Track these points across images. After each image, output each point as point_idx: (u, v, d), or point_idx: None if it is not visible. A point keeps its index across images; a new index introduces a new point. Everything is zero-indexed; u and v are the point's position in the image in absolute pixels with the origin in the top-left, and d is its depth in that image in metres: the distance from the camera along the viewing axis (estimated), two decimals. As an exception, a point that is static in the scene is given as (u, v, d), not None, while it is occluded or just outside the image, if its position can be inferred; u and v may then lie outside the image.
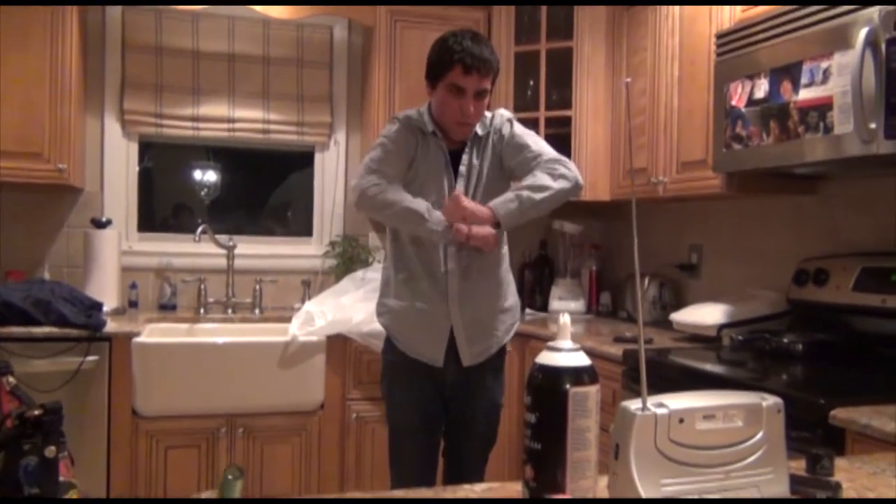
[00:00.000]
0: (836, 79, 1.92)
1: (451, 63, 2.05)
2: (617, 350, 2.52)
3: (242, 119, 3.59)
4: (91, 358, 2.75)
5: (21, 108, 2.97)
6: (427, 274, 2.17)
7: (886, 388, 1.79)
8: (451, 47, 2.06)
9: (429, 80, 2.15)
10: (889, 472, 1.19)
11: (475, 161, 2.20)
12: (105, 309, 3.02)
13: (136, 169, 3.55)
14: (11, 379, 0.81)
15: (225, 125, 3.58)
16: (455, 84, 2.07)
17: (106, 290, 3.16)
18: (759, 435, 1.00)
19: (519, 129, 2.25)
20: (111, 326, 2.84)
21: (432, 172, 2.18)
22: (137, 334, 2.83)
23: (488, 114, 2.24)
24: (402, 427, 2.24)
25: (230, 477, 0.74)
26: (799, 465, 1.18)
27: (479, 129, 2.20)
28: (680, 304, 3.19)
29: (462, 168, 2.19)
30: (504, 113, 2.28)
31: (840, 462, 1.22)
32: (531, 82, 3.54)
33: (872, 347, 2.22)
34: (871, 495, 1.09)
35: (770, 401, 1.02)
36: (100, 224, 3.24)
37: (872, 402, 1.65)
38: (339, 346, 3.03)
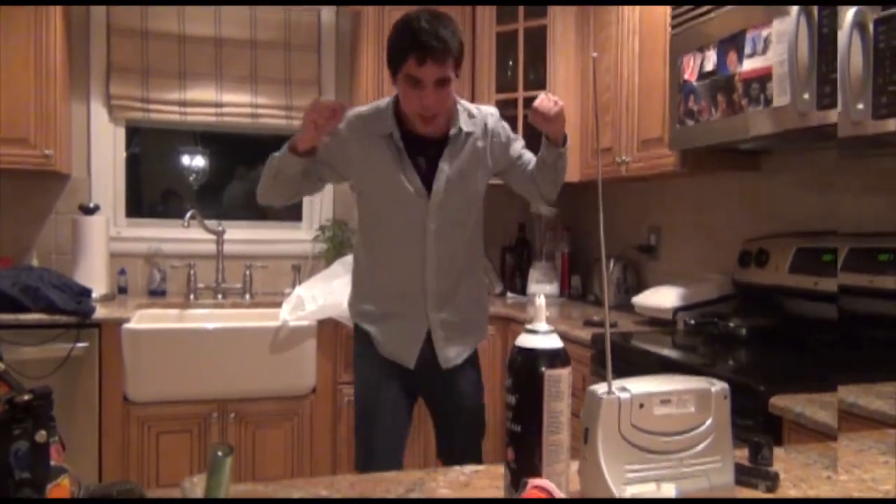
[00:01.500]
0: (775, 47, 1.86)
1: (404, 53, 1.87)
2: (587, 334, 2.52)
3: (230, 103, 3.58)
4: (81, 344, 2.75)
5: (6, 93, 2.95)
6: (403, 273, 2.07)
7: (820, 375, 1.75)
8: (403, 34, 1.88)
9: (390, 69, 1.96)
10: (819, 464, 1.19)
11: (456, 161, 2.04)
12: (94, 295, 3.02)
13: (124, 154, 3.53)
14: (0, 364, 0.82)
15: (212, 110, 3.56)
16: (411, 75, 1.88)
17: (95, 276, 3.15)
18: (709, 421, 1.01)
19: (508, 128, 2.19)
20: (101, 313, 2.85)
21: (387, 172, 2.01)
22: (127, 320, 2.84)
23: (474, 109, 2.10)
24: (370, 404, 2.09)
25: (220, 454, 0.75)
26: (743, 454, 1.18)
27: (465, 126, 2.04)
28: (641, 285, 3.17)
29: (444, 165, 2.02)
30: (493, 111, 2.15)
31: (778, 452, 1.22)
32: (511, 63, 3.52)
33: (808, 332, 2.18)
34: (804, 486, 1.10)
35: (718, 386, 1.03)
36: (88, 210, 3.23)
37: (807, 389, 1.63)
38: (329, 330, 3.04)
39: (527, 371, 0.95)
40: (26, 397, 0.71)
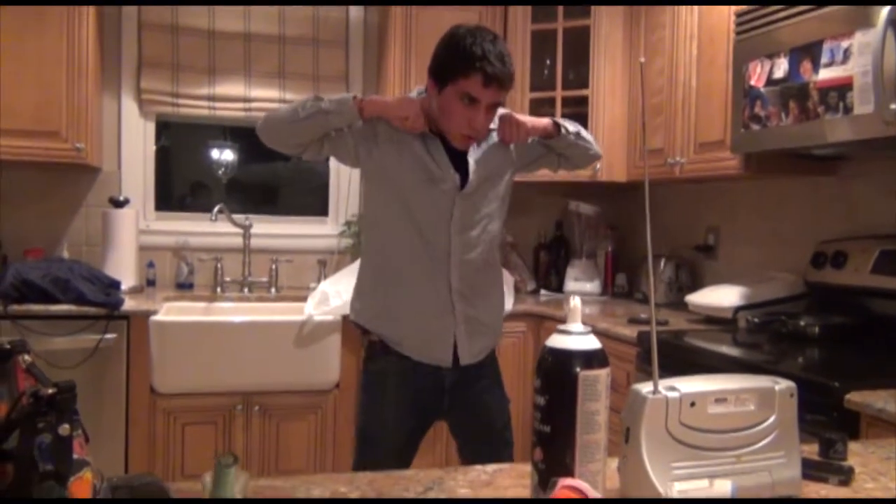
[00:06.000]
0: (857, 58, 1.89)
1: (469, 69, 1.79)
2: (631, 332, 2.52)
3: (258, 98, 3.59)
4: (109, 336, 2.78)
5: (39, 87, 2.98)
6: (428, 268, 1.96)
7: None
8: (470, 50, 1.79)
9: (435, 78, 1.87)
10: (903, 457, 1.18)
11: (483, 155, 1.99)
12: (123, 287, 3.05)
13: (154, 148, 3.57)
14: (27, 357, 0.82)
15: (241, 104, 3.58)
16: (469, 94, 1.82)
17: (124, 268, 3.19)
18: (772, 419, 1.00)
19: None
20: (129, 305, 2.87)
21: (416, 159, 1.94)
22: (155, 312, 2.86)
23: None
24: (381, 444, 1.99)
25: (223, 464, 0.75)
26: (812, 450, 1.17)
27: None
28: (696, 285, 3.17)
29: (471, 159, 1.96)
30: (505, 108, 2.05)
31: (853, 446, 1.22)
32: (548, 61, 3.51)
33: (890, 331, 2.20)
34: (883, 479, 1.09)
35: (783, 385, 1.02)
36: (118, 203, 3.27)
37: (888, 386, 1.65)
38: (354, 325, 3.03)
39: (558, 372, 0.94)
40: (50, 391, 0.71)
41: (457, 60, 1.82)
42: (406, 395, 1.99)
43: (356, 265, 3.23)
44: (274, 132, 1.97)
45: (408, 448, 2.03)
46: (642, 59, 3.20)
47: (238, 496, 0.78)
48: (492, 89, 1.81)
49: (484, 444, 2.06)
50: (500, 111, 1.96)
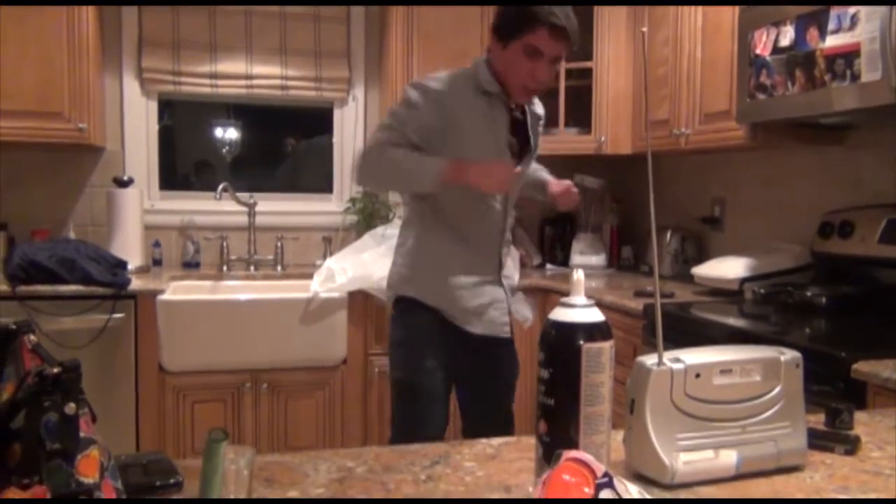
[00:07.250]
0: (865, 24, 1.86)
1: (535, 23, 1.89)
2: (637, 304, 2.52)
3: (260, 76, 3.57)
4: (117, 315, 2.79)
5: (40, 67, 2.97)
6: (484, 238, 2.06)
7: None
8: (535, 6, 1.90)
9: (499, 35, 1.96)
10: (909, 426, 1.19)
11: (530, 130, 2.13)
12: (129, 267, 3.06)
13: (157, 127, 3.56)
14: (33, 337, 0.82)
15: (243, 82, 3.56)
16: (535, 46, 1.90)
17: (130, 248, 3.19)
18: (777, 389, 1.00)
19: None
20: (136, 284, 2.88)
21: (491, 136, 2.01)
22: (162, 292, 2.87)
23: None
24: (428, 391, 2.03)
25: (213, 439, 0.75)
26: (819, 419, 1.18)
27: (538, 109, 2.19)
28: (702, 257, 3.16)
29: (529, 133, 2.11)
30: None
31: (860, 416, 1.22)
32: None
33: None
34: (889, 448, 1.09)
35: (788, 355, 1.02)
36: (122, 183, 3.26)
37: (893, 356, 1.64)
38: (360, 302, 3.05)
39: (562, 345, 0.93)
40: (55, 370, 0.71)
41: (523, 16, 1.91)
42: (444, 345, 2.06)
43: (361, 242, 3.27)
44: (367, 183, 2.20)
45: (447, 397, 2.10)
46: (644, 29, 3.17)
47: (244, 472, 0.79)
48: (556, 42, 1.91)
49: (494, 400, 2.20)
50: (566, 184, 2.18)
